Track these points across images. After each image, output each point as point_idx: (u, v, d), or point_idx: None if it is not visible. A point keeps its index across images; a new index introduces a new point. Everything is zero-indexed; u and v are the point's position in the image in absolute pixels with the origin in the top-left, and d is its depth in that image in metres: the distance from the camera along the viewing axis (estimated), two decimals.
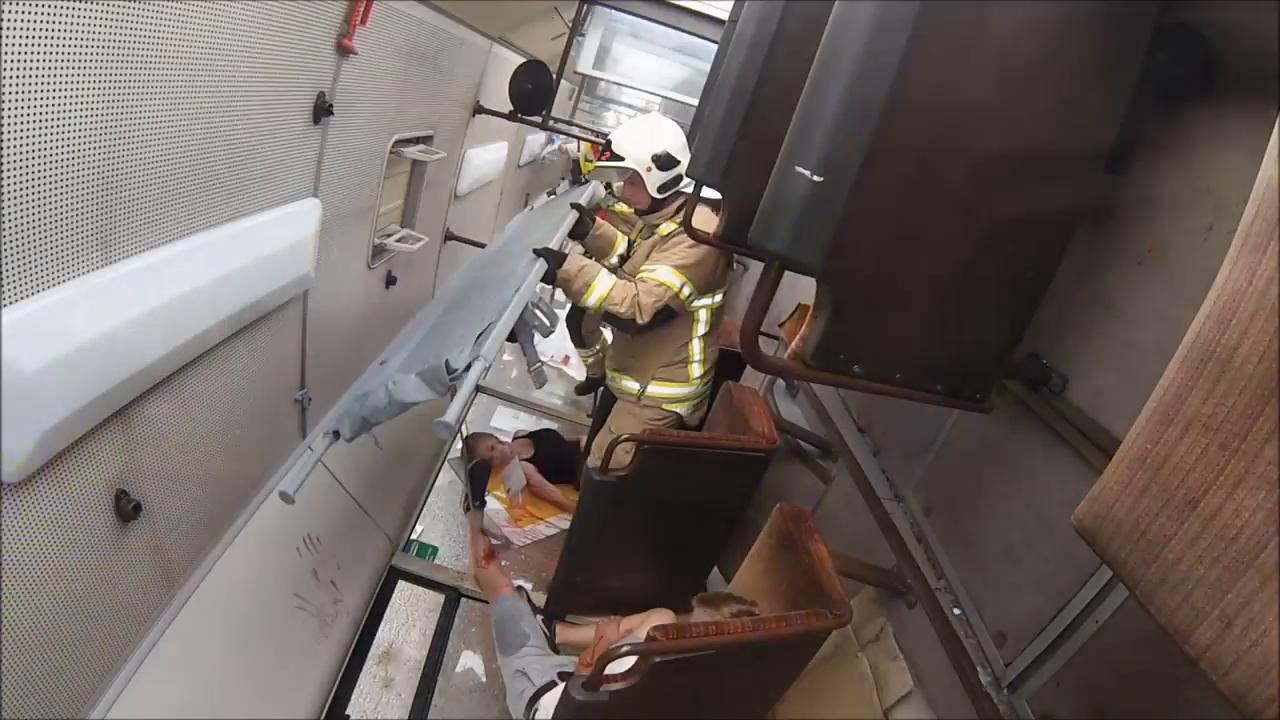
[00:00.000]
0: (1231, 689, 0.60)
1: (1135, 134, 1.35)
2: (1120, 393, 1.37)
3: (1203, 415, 0.65)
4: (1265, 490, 0.59)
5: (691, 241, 2.33)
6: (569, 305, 3.17)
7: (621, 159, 2.43)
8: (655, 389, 2.62)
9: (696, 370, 2.61)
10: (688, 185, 2.45)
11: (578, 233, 2.71)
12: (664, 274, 2.38)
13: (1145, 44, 1.16)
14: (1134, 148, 1.37)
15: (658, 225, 2.57)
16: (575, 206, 2.72)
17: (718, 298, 2.57)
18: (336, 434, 1.70)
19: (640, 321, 2.36)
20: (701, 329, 2.57)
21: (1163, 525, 0.68)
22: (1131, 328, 1.37)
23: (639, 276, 2.43)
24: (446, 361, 1.55)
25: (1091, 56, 1.12)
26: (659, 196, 2.49)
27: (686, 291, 2.41)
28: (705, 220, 2.27)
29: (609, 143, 2.50)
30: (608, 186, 3.48)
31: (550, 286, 2.44)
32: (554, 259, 2.25)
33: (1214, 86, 1.26)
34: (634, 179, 2.47)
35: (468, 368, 1.53)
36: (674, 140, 2.47)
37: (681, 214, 2.43)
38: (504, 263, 2.56)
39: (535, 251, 2.22)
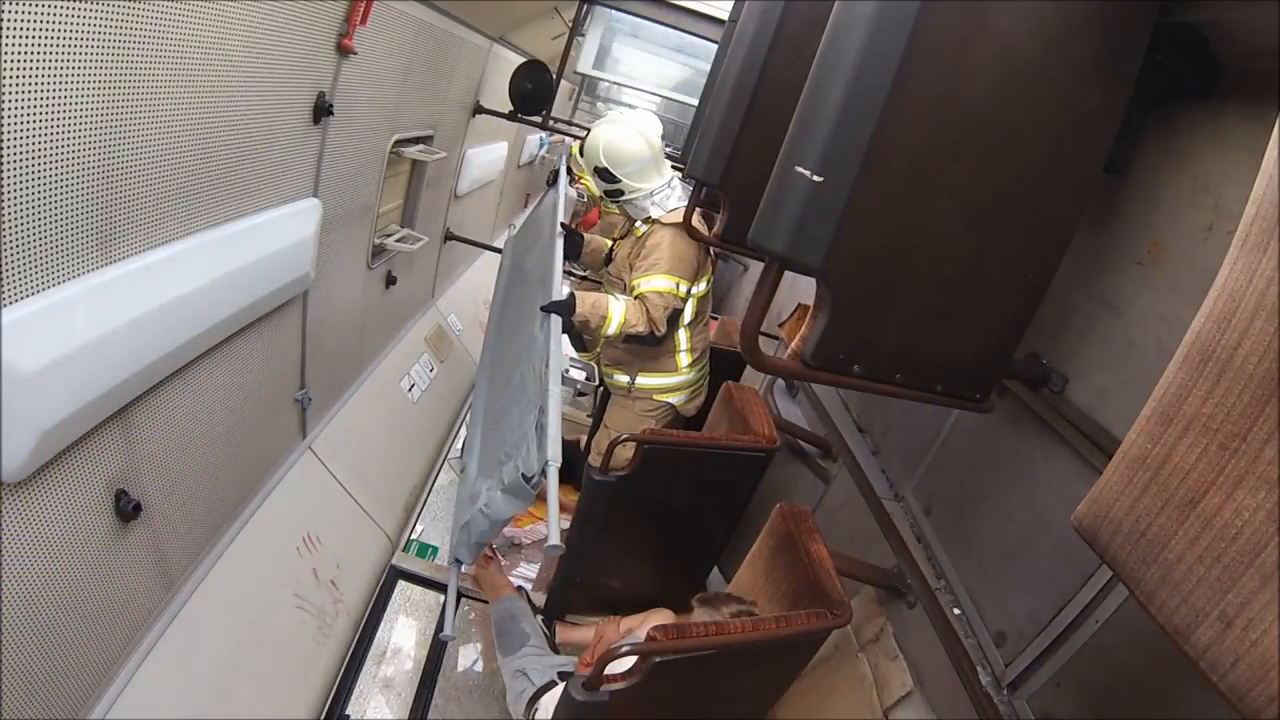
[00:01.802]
0: (1231, 689, 0.60)
1: (1135, 134, 1.35)
2: (1120, 393, 1.37)
3: (1203, 415, 0.65)
4: (1265, 490, 0.59)
5: (671, 238, 2.45)
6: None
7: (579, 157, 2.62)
8: (644, 380, 2.67)
9: (685, 359, 2.66)
10: (641, 196, 2.55)
11: (570, 254, 2.76)
12: (659, 282, 2.47)
13: (1145, 44, 1.16)
14: (1134, 147, 1.37)
15: (634, 223, 2.65)
16: (564, 227, 2.75)
17: (701, 286, 2.63)
18: (459, 562, 2.01)
19: (659, 333, 2.47)
20: (687, 318, 2.62)
21: (1163, 525, 0.68)
22: (1131, 328, 1.37)
23: (637, 293, 2.49)
24: (523, 475, 1.75)
25: (1092, 56, 1.12)
26: (603, 197, 2.63)
27: (683, 289, 2.51)
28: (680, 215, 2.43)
29: (589, 131, 2.62)
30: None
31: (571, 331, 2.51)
32: (564, 310, 2.27)
33: (1214, 87, 1.26)
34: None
35: (544, 471, 1.68)
36: (618, 152, 2.51)
37: (651, 211, 2.57)
38: (520, 316, 2.59)
39: (543, 309, 2.24)
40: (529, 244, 3.22)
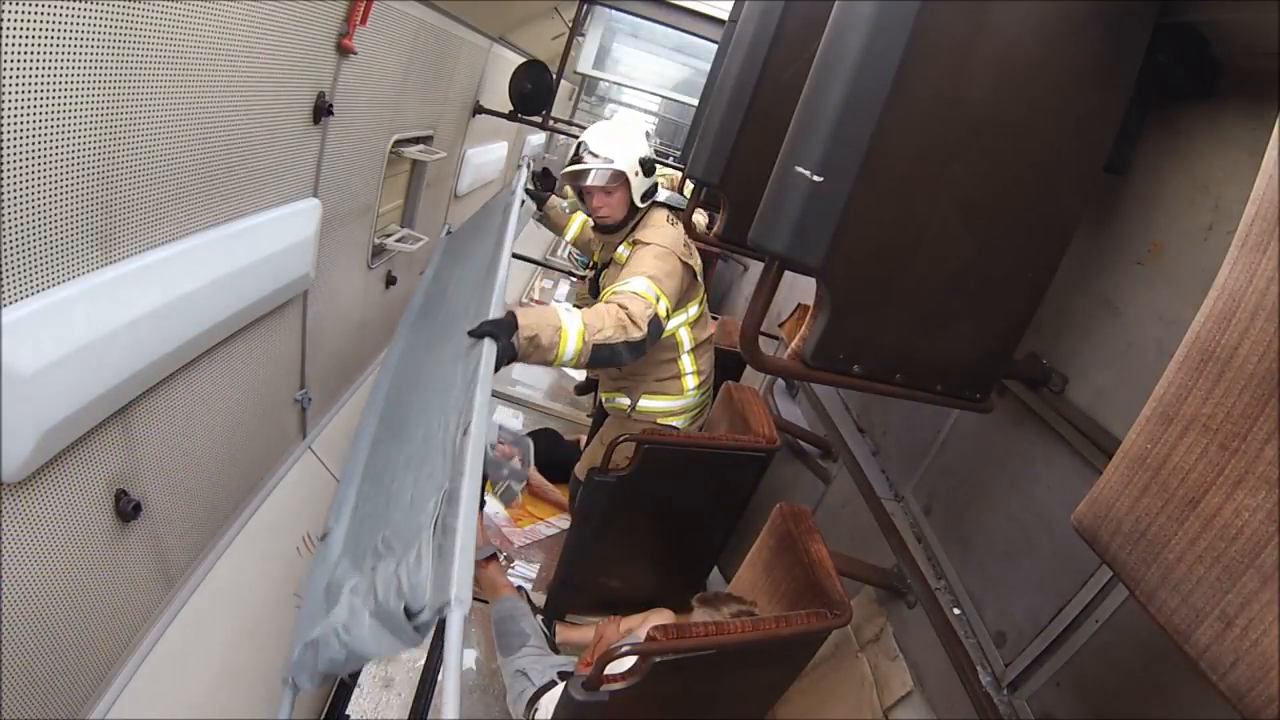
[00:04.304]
0: (1231, 689, 0.60)
1: (1135, 134, 1.35)
2: (1120, 393, 1.37)
3: (1203, 415, 0.65)
4: (1265, 490, 0.59)
5: (658, 252, 2.09)
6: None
7: (611, 160, 2.16)
8: (647, 403, 2.41)
9: (691, 382, 2.40)
10: (660, 195, 2.31)
11: (542, 191, 2.64)
12: (639, 284, 1.99)
13: (1145, 44, 1.16)
14: (1134, 147, 1.37)
15: (616, 249, 2.32)
16: (529, 168, 2.46)
17: (691, 311, 2.33)
18: (295, 686, 1.31)
19: (638, 336, 1.88)
20: (687, 345, 2.36)
21: (1163, 525, 0.68)
22: (1131, 328, 1.37)
23: (610, 291, 2.02)
24: (406, 606, 1.08)
25: (1091, 56, 1.13)
26: (641, 205, 2.25)
27: (663, 306, 2.02)
28: (667, 236, 2.17)
29: (582, 144, 2.21)
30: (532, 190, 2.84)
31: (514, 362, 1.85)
32: (502, 331, 1.59)
33: (1214, 87, 1.26)
34: (616, 186, 2.20)
35: (440, 614, 1.01)
36: (649, 146, 2.28)
37: (636, 233, 2.23)
38: (441, 335, 1.95)
39: (472, 334, 1.57)
40: (467, 248, 2.59)
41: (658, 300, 1.99)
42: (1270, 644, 0.57)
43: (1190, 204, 1.29)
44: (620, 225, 2.28)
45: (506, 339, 1.62)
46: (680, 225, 2.26)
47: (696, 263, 2.26)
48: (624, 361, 1.92)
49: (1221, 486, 0.63)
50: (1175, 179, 1.33)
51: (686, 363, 2.37)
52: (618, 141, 2.19)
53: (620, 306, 1.90)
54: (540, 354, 1.76)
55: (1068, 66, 1.11)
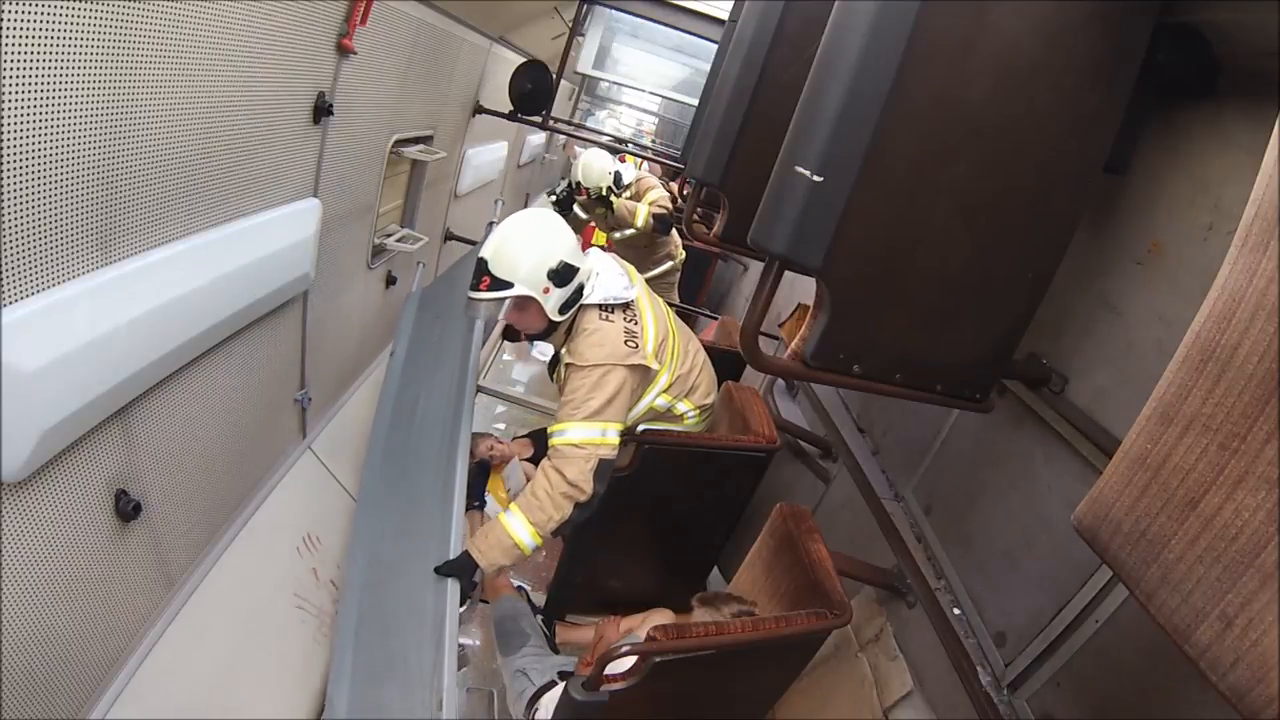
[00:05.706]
0: (1231, 689, 0.60)
1: (1135, 134, 1.35)
2: (1120, 393, 1.37)
3: (1203, 415, 0.65)
4: (1265, 490, 0.59)
5: (595, 380, 1.90)
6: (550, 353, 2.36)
7: (509, 285, 1.86)
8: (644, 427, 2.30)
9: (692, 416, 2.31)
10: (590, 295, 1.99)
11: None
12: (575, 433, 1.90)
13: (1145, 44, 1.16)
14: (1134, 147, 1.37)
15: (560, 349, 2.11)
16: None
17: (662, 381, 2.13)
18: None
19: (584, 498, 1.89)
20: (670, 403, 2.23)
21: (1163, 525, 0.68)
22: (1131, 328, 1.37)
23: (551, 445, 1.94)
24: None
25: (1092, 56, 1.12)
26: (560, 318, 1.96)
27: (612, 434, 1.91)
28: (604, 347, 1.93)
29: (483, 263, 1.89)
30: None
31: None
32: (463, 571, 1.83)
33: (1214, 87, 1.26)
34: (524, 303, 1.92)
35: None
36: (565, 241, 1.93)
37: (569, 344, 2.01)
38: (419, 484, 2.10)
39: (438, 571, 1.83)
40: (437, 350, 2.44)
41: (604, 434, 1.91)
42: (1270, 644, 0.57)
43: (1190, 204, 1.29)
44: (549, 331, 2.03)
45: (469, 579, 1.84)
46: (619, 319, 2.00)
47: (645, 354, 1.99)
48: (581, 517, 1.95)
49: (1221, 486, 0.63)
50: (1175, 179, 1.33)
51: (681, 406, 2.26)
52: (520, 257, 1.87)
53: (559, 474, 1.88)
54: (504, 566, 1.95)
55: (1068, 66, 1.11)
